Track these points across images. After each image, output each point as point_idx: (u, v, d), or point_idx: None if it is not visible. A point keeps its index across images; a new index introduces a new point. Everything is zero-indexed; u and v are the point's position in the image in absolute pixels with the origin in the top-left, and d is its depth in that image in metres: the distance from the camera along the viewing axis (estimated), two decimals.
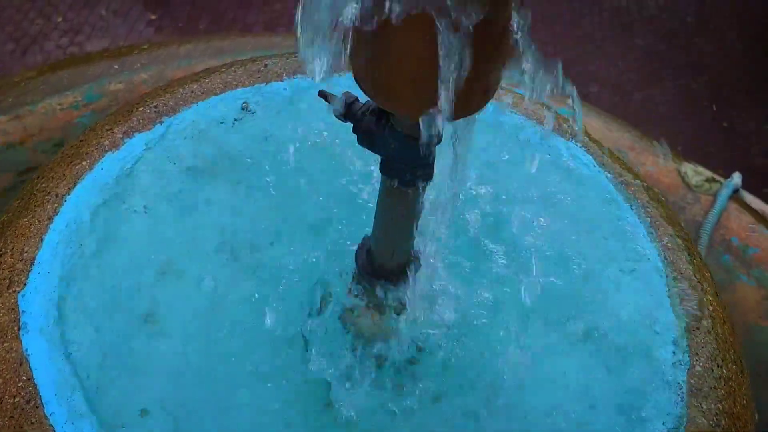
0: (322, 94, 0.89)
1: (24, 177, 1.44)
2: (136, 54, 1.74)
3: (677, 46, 7.42)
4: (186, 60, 1.65)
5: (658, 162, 1.65)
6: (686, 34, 7.61)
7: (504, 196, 1.28)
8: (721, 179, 1.68)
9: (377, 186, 0.94)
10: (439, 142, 0.83)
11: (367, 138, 0.87)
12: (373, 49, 0.73)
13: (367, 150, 0.87)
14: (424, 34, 0.68)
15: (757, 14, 7.74)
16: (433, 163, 0.89)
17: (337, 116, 0.88)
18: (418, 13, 0.65)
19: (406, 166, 0.87)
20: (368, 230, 1.03)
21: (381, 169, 0.92)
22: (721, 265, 1.57)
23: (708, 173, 1.70)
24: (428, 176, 0.90)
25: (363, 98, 0.81)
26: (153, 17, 7.10)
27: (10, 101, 1.55)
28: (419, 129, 0.76)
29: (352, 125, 0.87)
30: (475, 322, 1.19)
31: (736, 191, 1.70)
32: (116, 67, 1.67)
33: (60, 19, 7.09)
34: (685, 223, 1.57)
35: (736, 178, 1.69)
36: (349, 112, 0.87)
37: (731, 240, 1.60)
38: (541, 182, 1.32)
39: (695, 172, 1.67)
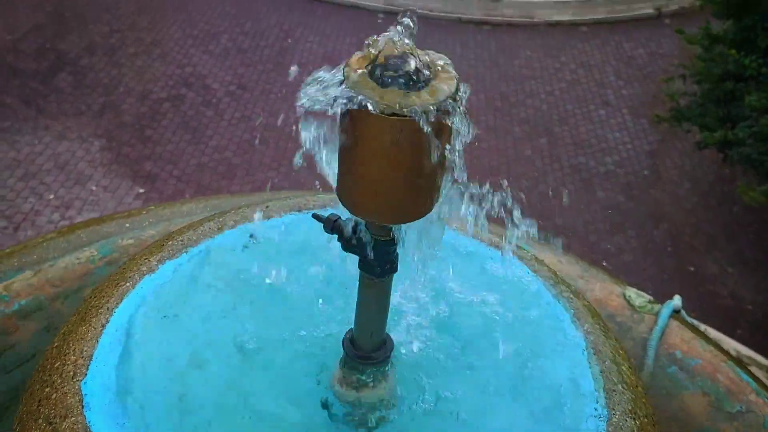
0: (316, 216, 1.18)
1: (49, 322, 1.64)
2: (144, 214, 1.99)
3: (636, 198, 7.92)
4: (188, 217, 1.90)
5: (605, 287, 1.88)
6: (643, 187, 8.14)
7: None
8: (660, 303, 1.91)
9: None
10: (395, 244, 1.12)
11: (347, 244, 1.16)
12: (346, 173, 1.03)
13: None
14: (383, 165, 0.99)
15: (706, 167, 8.33)
16: (397, 259, 1.18)
17: (326, 231, 1.18)
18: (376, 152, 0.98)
19: (377, 261, 1.16)
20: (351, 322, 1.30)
21: (359, 266, 1.20)
22: (667, 375, 1.75)
23: (649, 296, 1.93)
24: (393, 270, 1.19)
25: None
26: (141, 191, 7.50)
27: (35, 258, 1.77)
28: (383, 234, 1.06)
29: (336, 236, 1.17)
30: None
31: (677, 311, 1.91)
32: (127, 225, 1.91)
33: (52, 197, 7.46)
34: (632, 340, 1.76)
35: (676, 300, 1.90)
36: (334, 226, 1.18)
37: (675, 353, 1.79)
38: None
39: (638, 295, 1.89)
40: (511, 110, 8.50)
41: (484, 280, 1.53)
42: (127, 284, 1.45)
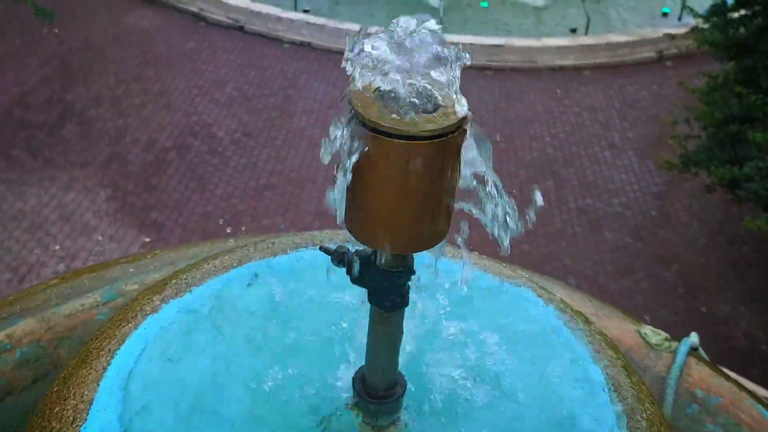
0: (323, 249, 1.15)
1: (51, 370, 1.59)
2: (149, 258, 1.97)
3: (644, 239, 7.88)
4: (194, 260, 1.86)
5: (620, 326, 1.83)
6: (652, 228, 8.10)
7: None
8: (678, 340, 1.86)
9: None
10: (412, 274, 1.08)
11: (356, 277, 1.13)
12: (356, 201, 1.01)
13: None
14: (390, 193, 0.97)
15: (715, 206, 8.30)
16: (408, 292, 1.14)
17: (334, 264, 1.13)
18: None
19: (387, 294, 1.12)
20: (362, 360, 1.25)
21: (369, 299, 1.16)
22: (688, 415, 1.68)
23: (665, 333, 1.88)
24: (405, 303, 1.15)
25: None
26: (147, 240, 7.49)
27: (37, 304, 1.74)
28: (394, 264, 1.03)
29: (345, 269, 1.13)
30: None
31: (695, 349, 1.86)
32: (132, 270, 1.88)
33: (57, 248, 7.46)
34: (650, 378, 1.71)
35: (693, 337, 1.85)
36: (342, 258, 1.15)
37: (695, 391, 1.73)
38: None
39: (654, 333, 1.84)
40: (516, 153, 8.52)
41: (496, 314, 1.49)
42: (130, 325, 1.41)
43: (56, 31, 9.84)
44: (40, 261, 6.79)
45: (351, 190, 1.01)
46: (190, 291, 1.52)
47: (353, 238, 1.06)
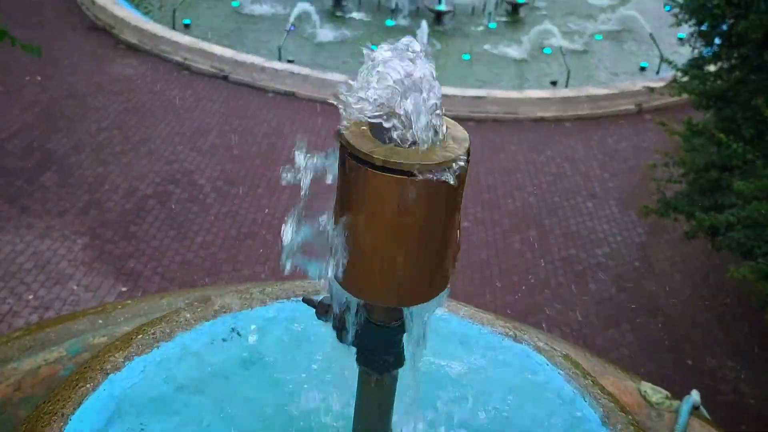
0: (306, 301, 1.02)
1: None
2: (120, 309, 1.85)
3: (628, 290, 7.82)
4: (168, 311, 1.76)
5: (618, 383, 1.74)
6: (635, 279, 8.06)
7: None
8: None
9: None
10: (404, 331, 0.95)
11: (342, 333, 0.98)
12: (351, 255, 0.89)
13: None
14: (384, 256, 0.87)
15: (696, 257, 8.30)
16: (403, 350, 1.01)
17: (318, 317, 1.01)
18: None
19: (380, 354, 0.98)
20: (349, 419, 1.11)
21: (357, 360, 1.02)
22: None
23: (665, 391, 1.79)
24: (400, 363, 1.01)
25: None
26: (124, 289, 7.32)
27: None
28: (387, 319, 0.92)
29: (331, 324, 1.00)
30: None
31: (696, 408, 1.77)
32: (100, 321, 1.76)
33: (31, 297, 7.26)
34: None
35: (695, 395, 1.76)
36: (327, 311, 1.02)
37: None
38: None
39: (654, 391, 1.75)
40: (498, 202, 8.50)
41: (495, 371, 1.38)
42: (88, 386, 1.25)
43: (39, 79, 9.79)
44: (13, 311, 6.59)
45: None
46: (158, 346, 1.37)
47: (340, 288, 0.94)
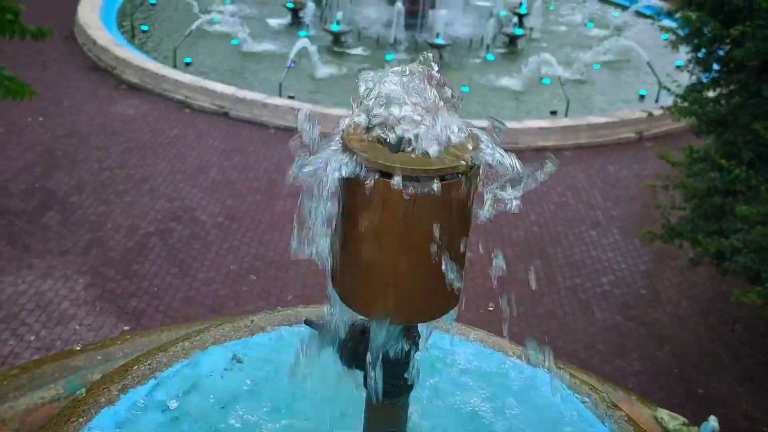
0: (308, 322, 0.97)
1: None
2: (119, 344, 1.81)
3: (635, 318, 7.74)
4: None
5: (634, 410, 1.69)
6: (642, 307, 7.98)
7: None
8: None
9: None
10: (417, 350, 0.89)
11: (349, 357, 0.92)
12: (350, 261, 0.85)
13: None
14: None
15: (702, 284, 8.23)
16: (412, 372, 0.93)
17: (323, 342, 0.95)
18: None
19: (388, 377, 0.91)
20: None
21: (364, 384, 0.96)
22: None
23: (682, 418, 1.74)
24: (410, 387, 0.93)
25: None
26: (126, 328, 7.24)
27: None
28: (396, 339, 0.86)
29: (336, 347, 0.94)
30: None
31: None
32: (99, 357, 1.72)
33: (33, 338, 7.19)
34: None
35: (713, 421, 1.71)
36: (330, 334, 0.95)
37: None
38: None
39: (671, 417, 1.70)
40: (502, 232, 8.46)
41: (513, 399, 1.34)
42: (80, 420, 1.20)
43: (41, 119, 9.84)
44: (14, 352, 6.53)
45: (344, 246, 0.85)
46: (155, 377, 1.32)
47: (345, 306, 0.88)
